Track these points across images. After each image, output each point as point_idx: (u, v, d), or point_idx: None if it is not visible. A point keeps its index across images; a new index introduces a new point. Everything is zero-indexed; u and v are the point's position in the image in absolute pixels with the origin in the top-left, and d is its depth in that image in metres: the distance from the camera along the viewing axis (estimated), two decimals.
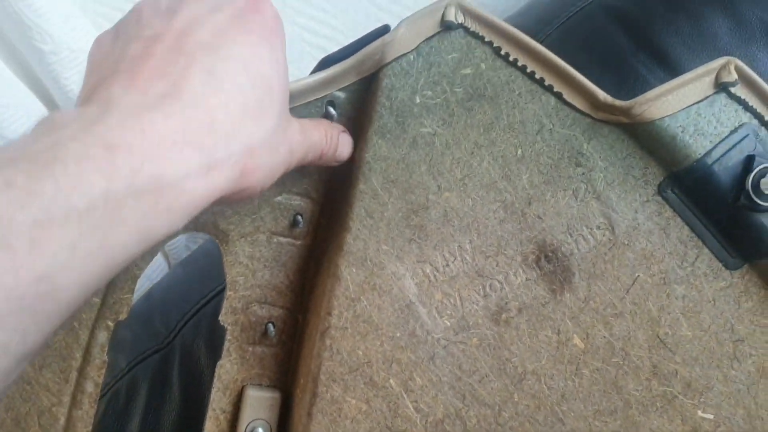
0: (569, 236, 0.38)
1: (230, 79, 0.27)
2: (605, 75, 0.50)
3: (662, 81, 0.46)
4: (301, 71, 0.66)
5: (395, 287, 0.38)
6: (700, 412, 0.37)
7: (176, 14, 0.29)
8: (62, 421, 0.38)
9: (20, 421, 0.37)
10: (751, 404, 0.37)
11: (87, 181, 0.22)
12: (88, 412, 0.38)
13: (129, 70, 0.26)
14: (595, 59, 0.52)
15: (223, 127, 0.26)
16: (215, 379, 0.40)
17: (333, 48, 0.38)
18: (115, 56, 0.28)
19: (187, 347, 0.49)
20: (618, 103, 0.36)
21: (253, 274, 0.40)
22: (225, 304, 0.40)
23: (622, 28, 0.52)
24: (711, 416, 0.37)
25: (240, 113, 0.27)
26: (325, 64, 0.37)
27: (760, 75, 0.50)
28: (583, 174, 0.37)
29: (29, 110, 0.56)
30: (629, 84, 0.50)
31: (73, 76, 0.58)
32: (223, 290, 0.50)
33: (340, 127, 0.37)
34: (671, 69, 0.49)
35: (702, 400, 0.37)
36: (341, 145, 0.37)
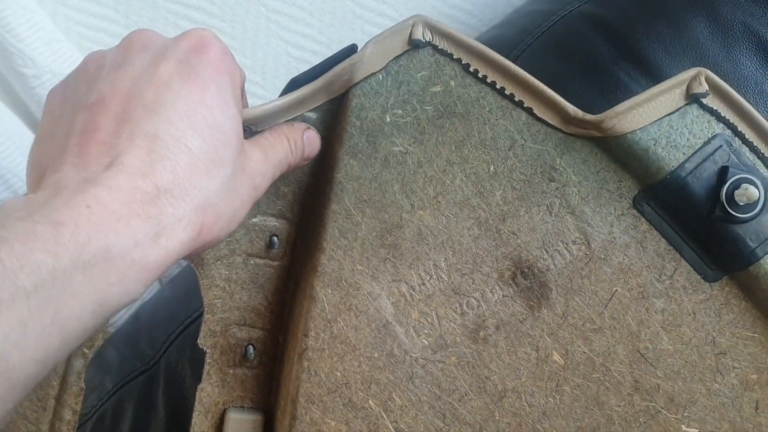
0: (545, 252, 0.37)
1: (176, 141, 0.27)
2: (587, 83, 0.50)
3: (645, 88, 0.45)
4: (278, 67, 0.66)
5: (371, 307, 0.37)
6: (684, 427, 0.37)
7: (121, 71, 0.29)
8: None
9: None
10: (736, 417, 0.37)
11: (33, 259, 0.22)
12: None
13: (77, 145, 0.27)
14: (576, 68, 0.51)
15: (171, 192, 0.26)
16: (196, 403, 0.40)
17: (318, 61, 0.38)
18: (64, 127, 0.28)
19: (172, 368, 0.49)
20: (588, 117, 0.36)
21: (230, 297, 0.40)
22: (203, 327, 0.40)
23: (603, 36, 0.51)
24: (695, 430, 0.37)
25: (189, 172, 0.27)
26: (294, 85, 0.37)
27: (744, 79, 0.50)
28: (557, 189, 0.37)
29: (13, 134, 0.56)
30: (611, 92, 0.49)
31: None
32: None
33: (303, 126, 0.37)
34: (653, 76, 0.49)
35: (686, 414, 0.37)
36: (308, 146, 0.36)
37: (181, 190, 0.27)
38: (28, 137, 0.59)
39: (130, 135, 0.27)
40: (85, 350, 0.37)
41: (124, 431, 0.49)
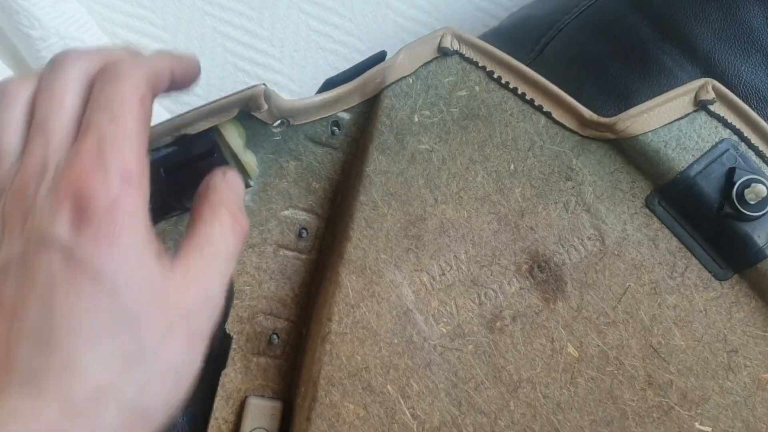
0: (561, 247, 0.39)
1: (71, 368, 0.22)
2: (628, 66, 0.47)
3: (690, 75, 0.43)
4: (317, 79, 0.68)
5: (393, 294, 0.39)
6: (697, 424, 0.37)
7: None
8: None
9: None
10: (749, 417, 0.37)
11: None
12: None
13: None
14: (617, 49, 0.48)
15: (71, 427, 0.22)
16: (219, 388, 0.41)
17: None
18: None
19: None
20: (603, 119, 0.39)
21: (259, 285, 0.42)
22: (232, 313, 0.41)
23: (646, 17, 0.48)
24: (709, 429, 0.37)
25: (96, 394, 0.22)
26: (329, 85, 0.40)
27: None
28: (573, 188, 0.39)
29: None
30: (653, 76, 0.46)
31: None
32: None
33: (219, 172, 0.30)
34: (699, 61, 0.45)
35: (699, 411, 0.37)
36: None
37: (87, 418, 0.22)
38: None
39: (9, 378, 0.22)
40: None
41: None
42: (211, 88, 0.67)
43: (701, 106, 0.38)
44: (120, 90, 0.24)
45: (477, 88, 0.40)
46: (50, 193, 0.23)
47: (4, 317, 0.22)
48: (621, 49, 0.47)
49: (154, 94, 0.26)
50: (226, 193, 0.28)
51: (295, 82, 0.68)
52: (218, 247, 0.27)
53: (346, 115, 0.41)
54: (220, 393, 0.41)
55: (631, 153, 0.39)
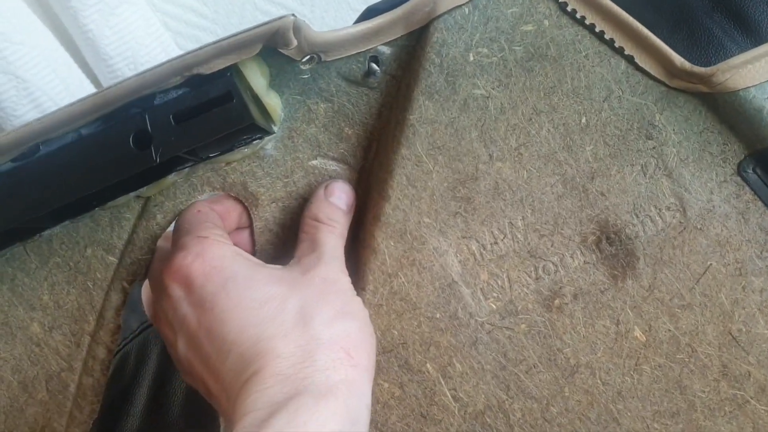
0: (635, 217, 0.34)
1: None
2: (676, 35, 0.45)
3: (740, 46, 0.41)
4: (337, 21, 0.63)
5: (437, 264, 0.34)
6: None
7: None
8: (72, 388, 0.35)
9: (27, 386, 0.35)
10: None
11: None
12: (99, 380, 0.35)
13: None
14: (664, 17, 0.46)
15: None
16: None
17: None
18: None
19: None
20: (697, 69, 0.32)
21: (283, 244, 0.37)
22: None
23: None
24: None
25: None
26: (370, 13, 0.34)
27: None
28: (654, 148, 0.34)
29: (45, 50, 0.53)
30: (702, 47, 0.44)
31: (92, 15, 0.55)
32: None
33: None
34: (751, 32, 0.44)
35: None
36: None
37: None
38: (60, 54, 0.56)
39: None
40: (125, 285, 0.35)
41: (148, 373, 0.47)
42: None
43: None
44: (201, 226, 0.33)
45: (546, 22, 0.33)
46: (166, 276, 0.32)
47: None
48: (670, 17, 0.45)
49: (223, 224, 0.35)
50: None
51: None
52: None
53: (386, 50, 0.35)
54: None
55: (726, 110, 0.33)
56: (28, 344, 0.35)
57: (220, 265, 0.31)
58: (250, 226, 0.36)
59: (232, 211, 0.36)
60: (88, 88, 0.58)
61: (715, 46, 0.43)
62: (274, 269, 0.32)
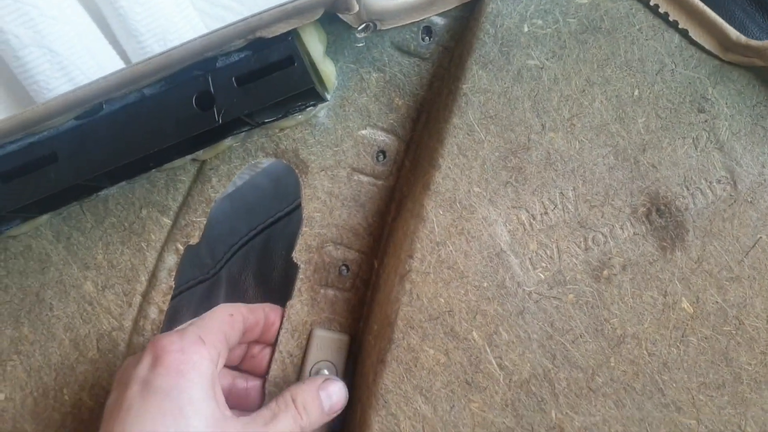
0: (685, 189, 0.34)
1: None
2: None
3: (762, 28, 0.41)
4: None
5: (485, 233, 0.35)
6: None
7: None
8: (122, 347, 0.36)
9: (78, 344, 0.35)
10: None
11: None
12: (149, 339, 0.36)
13: None
14: None
15: None
16: (284, 320, 0.37)
17: None
18: None
19: (233, 279, 0.47)
20: (754, 43, 0.32)
21: (330, 212, 0.37)
22: (300, 241, 0.37)
23: None
24: None
25: None
26: None
27: None
28: (706, 121, 0.34)
29: (78, 26, 0.53)
30: None
31: (142, 12, 0.56)
32: (272, 224, 0.48)
33: (318, 380, 0.35)
34: None
35: None
36: (328, 401, 0.35)
37: None
38: (92, 30, 0.56)
39: None
40: (179, 246, 0.35)
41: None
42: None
43: None
44: (215, 330, 0.33)
45: None
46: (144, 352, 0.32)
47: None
48: None
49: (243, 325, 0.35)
50: (304, 394, 0.34)
51: None
52: (277, 427, 0.33)
53: (440, 20, 0.35)
54: (285, 325, 0.37)
55: None
56: (81, 302, 0.35)
57: (184, 376, 0.31)
58: (274, 346, 0.37)
59: (264, 325, 0.37)
60: (118, 65, 0.58)
61: (737, 27, 0.43)
62: (216, 415, 0.31)
